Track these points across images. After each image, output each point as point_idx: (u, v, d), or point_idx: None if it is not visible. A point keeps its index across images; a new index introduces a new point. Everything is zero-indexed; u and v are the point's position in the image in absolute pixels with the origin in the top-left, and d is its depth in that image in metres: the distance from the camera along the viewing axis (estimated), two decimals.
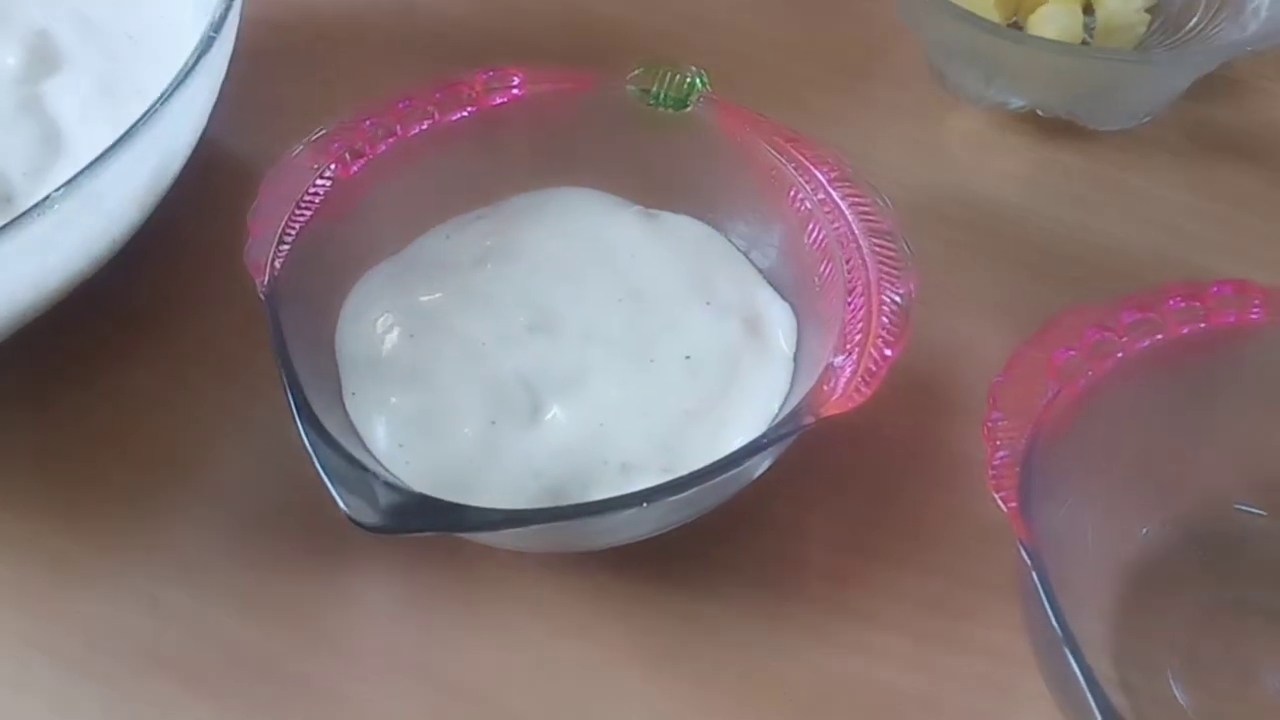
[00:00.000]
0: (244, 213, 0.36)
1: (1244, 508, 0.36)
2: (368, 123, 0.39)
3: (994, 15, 0.48)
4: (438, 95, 0.40)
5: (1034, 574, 0.30)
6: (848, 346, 0.34)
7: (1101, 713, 0.27)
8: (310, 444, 0.31)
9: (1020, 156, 0.49)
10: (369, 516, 0.30)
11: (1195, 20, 0.50)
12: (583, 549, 0.36)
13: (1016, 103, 0.48)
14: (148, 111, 0.36)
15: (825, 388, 0.33)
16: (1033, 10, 0.49)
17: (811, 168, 0.39)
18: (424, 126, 0.40)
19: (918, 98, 0.51)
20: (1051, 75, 0.47)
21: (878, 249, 0.36)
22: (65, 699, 0.34)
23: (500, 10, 0.52)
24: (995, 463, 0.32)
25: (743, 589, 0.37)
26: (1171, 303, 0.35)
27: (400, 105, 0.40)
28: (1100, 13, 0.49)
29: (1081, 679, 0.28)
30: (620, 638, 0.36)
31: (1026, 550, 0.30)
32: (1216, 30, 0.49)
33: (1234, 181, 0.48)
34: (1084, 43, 0.49)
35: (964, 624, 0.36)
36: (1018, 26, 0.50)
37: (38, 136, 0.41)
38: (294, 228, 0.37)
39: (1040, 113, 0.48)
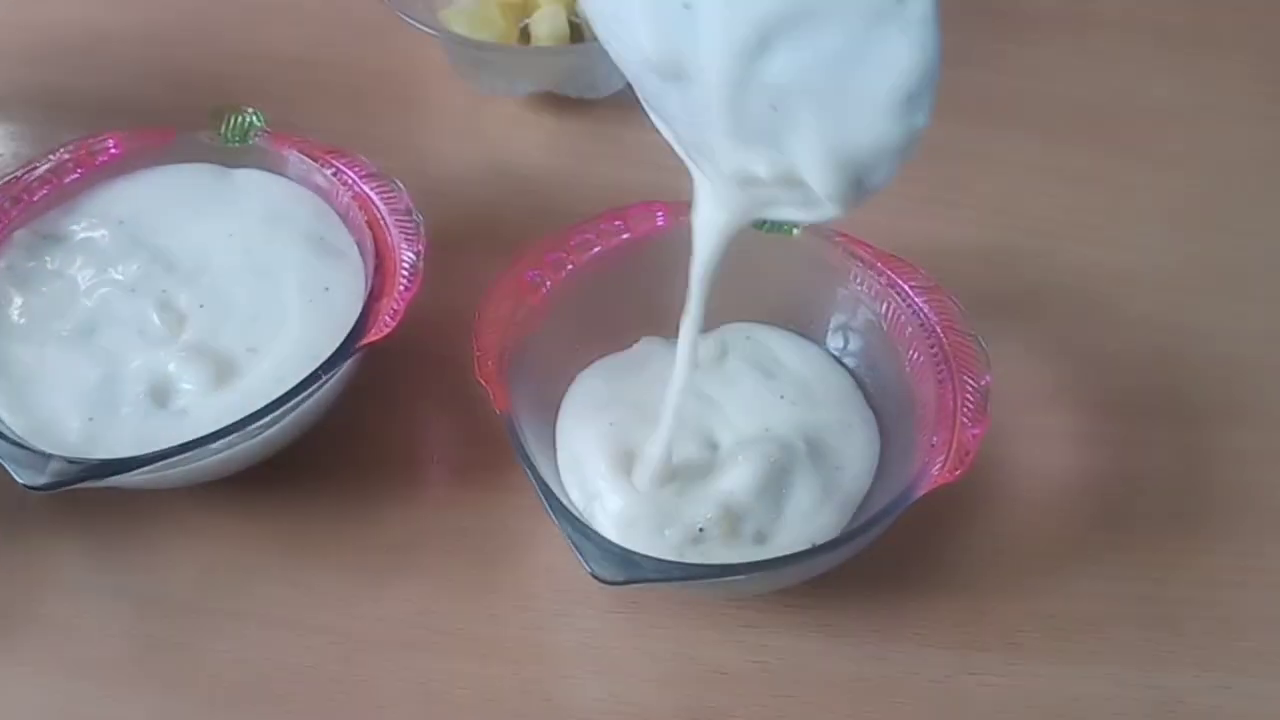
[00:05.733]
0: None
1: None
2: None
3: (500, 20, 0.62)
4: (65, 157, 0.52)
5: (510, 427, 0.44)
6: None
7: (547, 500, 0.42)
8: None
9: (544, 129, 0.64)
10: (38, 480, 0.42)
11: None
12: (221, 475, 0.48)
13: (526, 89, 0.62)
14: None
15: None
16: (534, 10, 0.64)
17: (346, 169, 0.52)
18: (45, 191, 0.51)
19: (457, 96, 0.65)
20: (540, 69, 0.62)
21: (399, 221, 0.50)
22: None
23: (106, 76, 0.64)
24: (477, 355, 0.46)
25: (348, 483, 0.50)
26: (604, 224, 0.51)
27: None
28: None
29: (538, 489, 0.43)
30: (268, 539, 0.49)
31: (503, 415, 0.44)
32: None
33: None
34: (573, 26, 0.64)
35: (507, 469, 0.49)
36: (527, 25, 0.64)
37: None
38: None
39: (555, 91, 0.63)
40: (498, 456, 0.49)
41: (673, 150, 0.63)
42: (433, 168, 0.61)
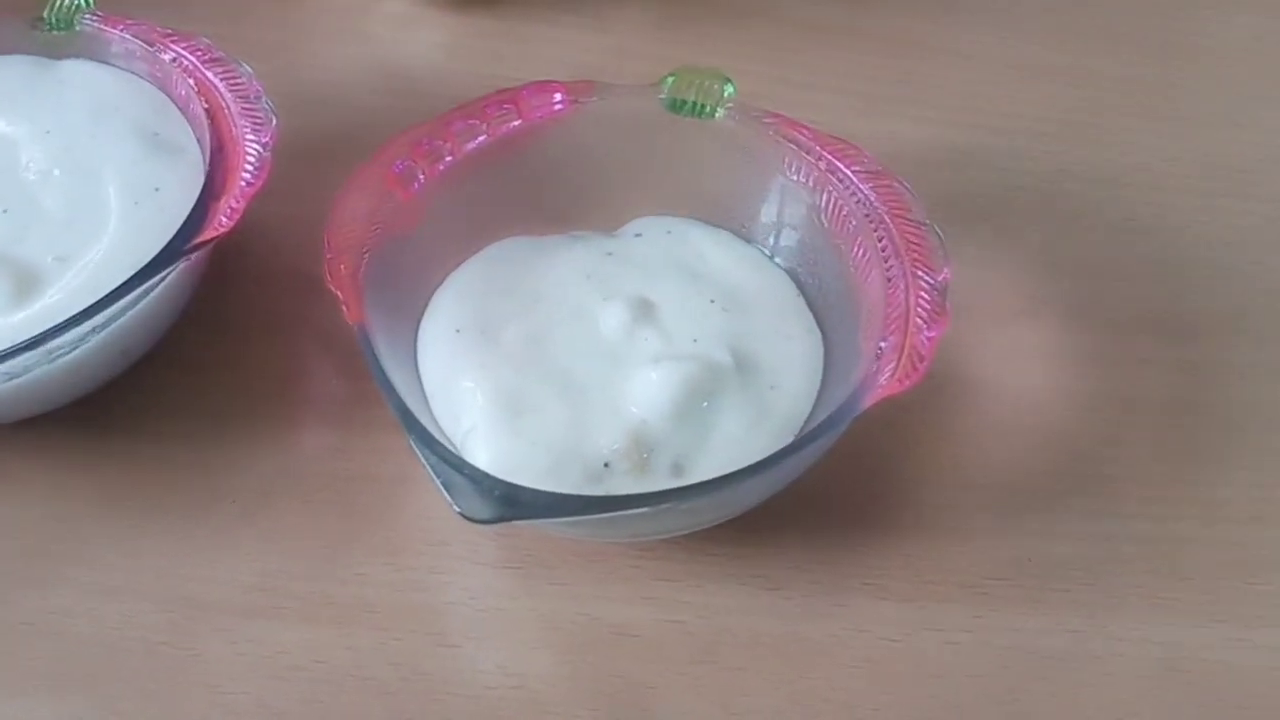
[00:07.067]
0: None
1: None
2: None
3: None
4: None
5: (364, 340, 0.36)
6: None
7: (408, 425, 0.34)
8: None
9: (443, 28, 0.56)
10: None
11: None
12: (25, 413, 0.40)
13: None
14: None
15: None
16: None
17: (186, 54, 0.44)
18: None
19: None
20: None
21: (245, 110, 0.42)
22: None
23: None
24: (328, 258, 0.38)
25: (185, 422, 0.42)
26: (490, 108, 0.43)
27: None
28: None
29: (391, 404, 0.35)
30: (84, 490, 0.41)
31: (358, 327, 0.36)
32: None
33: (620, 14, 0.56)
34: None
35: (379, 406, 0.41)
36: None
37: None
38: None
39: None
40: (369, 393, 0.41)
41: (588, 51, 0.57)
42: (309, 73, 0.53)
